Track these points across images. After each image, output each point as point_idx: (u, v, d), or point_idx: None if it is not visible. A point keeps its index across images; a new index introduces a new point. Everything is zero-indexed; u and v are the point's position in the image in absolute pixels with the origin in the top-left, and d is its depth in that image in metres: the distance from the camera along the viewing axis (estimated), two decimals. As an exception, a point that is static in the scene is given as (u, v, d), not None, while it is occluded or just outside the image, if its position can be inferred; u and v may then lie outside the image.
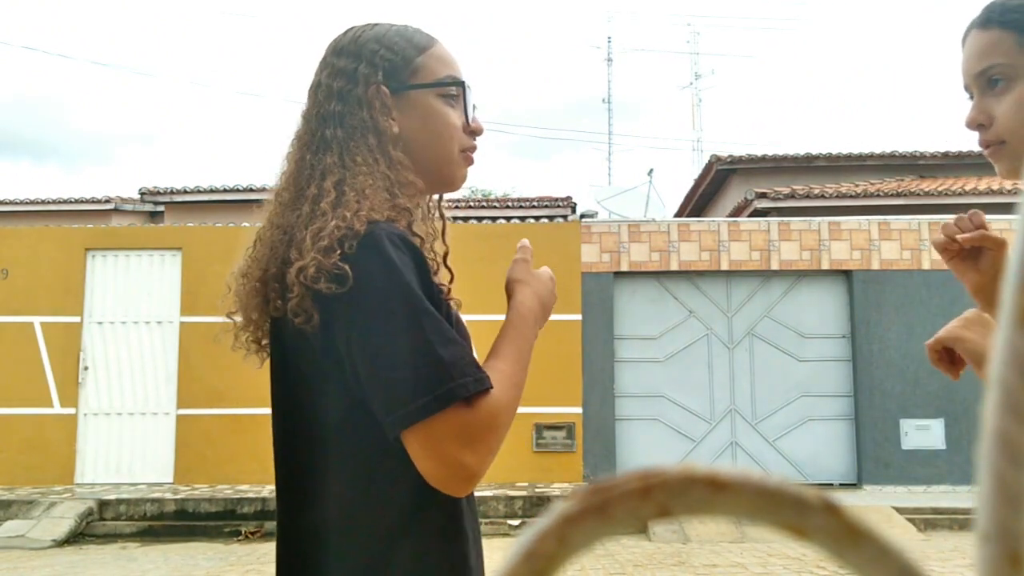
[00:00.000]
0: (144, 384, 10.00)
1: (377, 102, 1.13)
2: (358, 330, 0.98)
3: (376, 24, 1.20)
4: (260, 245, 1.11)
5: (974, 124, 1.15)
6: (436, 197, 1.28)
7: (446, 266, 1.27)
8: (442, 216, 1.29)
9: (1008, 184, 9.82)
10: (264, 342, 1.14)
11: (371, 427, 1.00)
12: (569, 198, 13.05)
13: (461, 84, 1.19)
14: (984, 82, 1.13)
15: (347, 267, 0.99)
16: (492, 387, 0.99)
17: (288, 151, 1.17)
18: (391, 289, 0.98)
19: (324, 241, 1.01)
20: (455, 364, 0.96)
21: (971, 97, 1.17)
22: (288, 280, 1.02)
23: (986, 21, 1.13)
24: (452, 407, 0.95)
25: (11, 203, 14.42)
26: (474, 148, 1.21)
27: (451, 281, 1.27)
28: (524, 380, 1.07)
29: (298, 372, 1.07)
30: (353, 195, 1.05)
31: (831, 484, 9.59)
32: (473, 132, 1.20)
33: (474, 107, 1.21)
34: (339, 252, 1.00)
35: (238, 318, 1.13)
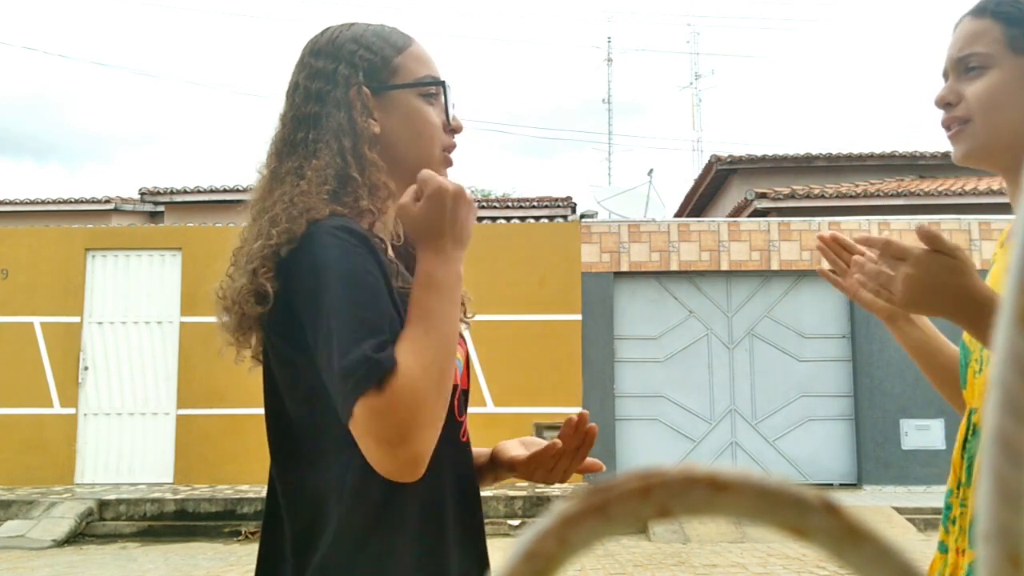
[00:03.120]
0: (144, 384, 10.00)
1: (358, 103, 1.12)
2: (307, 327, 1.01)
3: (353, 24, 1.20)
4: (231, 261, 1.13)
5: (942, 102, 1.19)
6: None
7: None
8: None
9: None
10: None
11: (322, 425, 1.02)
12: (569, 198, 13.06)
13: (441, 83, 1.19)
14: (962, 68, 1.17)
15: (268, 286, 1.02)
16: (392, 366, 0.92)
17: (265, 157, 1.17)
18: (314, 296, 0.99)
19: (254, 263, 1.04)
20: (353, 357, 0.92)
21: (947, 81, 1.21)
22: (229, 303, 1.07)
23: (981, 10, 1.16)
24: (363, 405, 0.91)
25: (11, 203, 14.43)
26: (454, 147, 1.21)
27: None
28: (447, 329, 1.00)
29: (271, 378, 1.11)
30: (282, 207, 1.05)
31: (831, 484, 9.59)
32: (453, 130, 1.20)
33: (453, 105, 1.21)
34: (265, 270, 1.02)
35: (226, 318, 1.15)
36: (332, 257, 0.99)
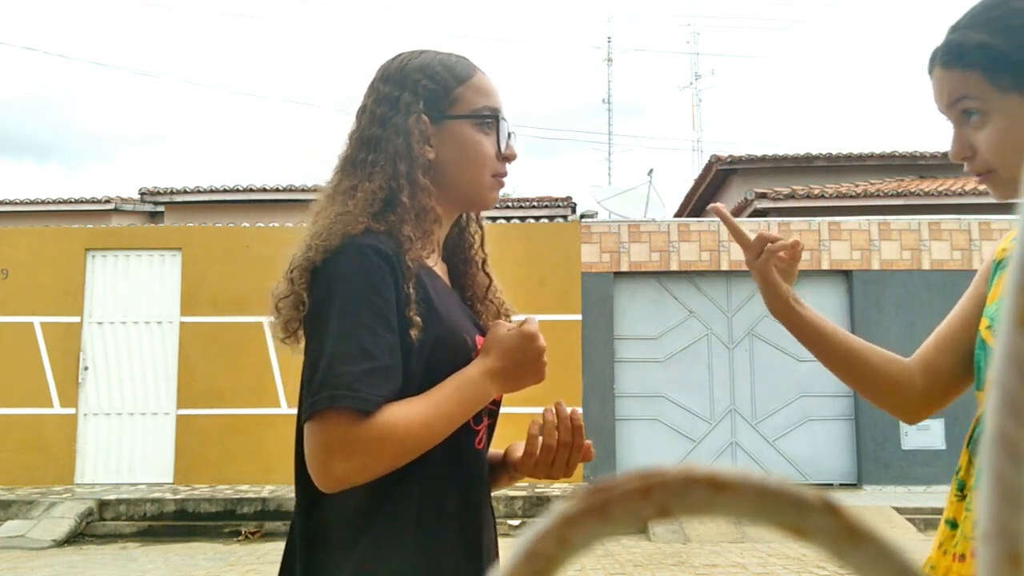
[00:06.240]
0: (144, 384, 9.99)
1: (416, 131, 1.20)
2: (309, 327, 1.12)
3: (423, 52, 1.27)
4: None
5: (959, 157, 1.17)
6: None
7: (484, 272, 1.36)
8: (480, 226, 1.39)
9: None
10: None
11: None
12: (569, 198, 13.06)
13: (496, 116, 1.25)
14: (958, 113, 1.14)
15: (304, 294, 1.11)
16: (370, 409, 1.02)
17: (331, 172, 1.25)
18: (323, 305, 1.08)
19: (293, 271, 1.12)
20: (339, 377, 1.02)
21: (952, 126, 1.18)
22: (274, 305, 1.16)
23: (946, 63, 1.13)
24: (329, 415, 1.01)
25: (11, 203, 14.42)
26: (505, 173, 1.28)
27: (489, 286, 1.35)
28: (440, 426, 1.09)
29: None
30: (327, 222, 1.13)
31: (831, 484, 9.59)
32: (506, 159, 1.27)
33: (510, 135, 1.28)
34: (302, 279, 1.11)
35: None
36: (352, 273, 1.07)
